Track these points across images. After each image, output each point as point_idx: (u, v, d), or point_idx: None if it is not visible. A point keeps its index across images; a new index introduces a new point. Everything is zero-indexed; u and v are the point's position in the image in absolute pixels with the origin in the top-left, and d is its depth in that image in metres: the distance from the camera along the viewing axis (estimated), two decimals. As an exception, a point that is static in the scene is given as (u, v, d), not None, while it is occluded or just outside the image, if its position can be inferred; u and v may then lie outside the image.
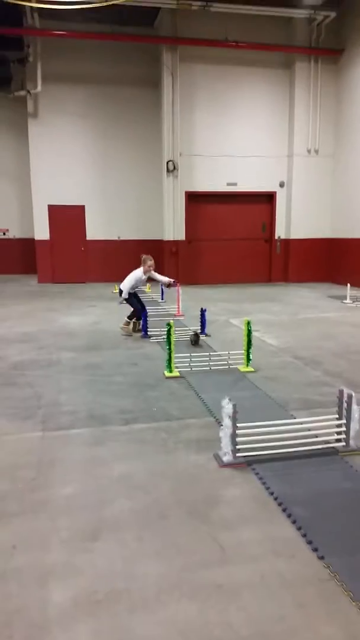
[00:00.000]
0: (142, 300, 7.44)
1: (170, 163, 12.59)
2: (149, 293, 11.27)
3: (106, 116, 13.09)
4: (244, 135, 13.01)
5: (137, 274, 7.07)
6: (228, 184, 13.12)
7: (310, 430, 3.42)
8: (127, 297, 7.08)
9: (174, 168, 12.63)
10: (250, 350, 5.40)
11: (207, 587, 2.11)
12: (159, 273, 7.50)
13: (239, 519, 2.62)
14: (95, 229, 13.58)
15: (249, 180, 13.18)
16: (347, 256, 12.83)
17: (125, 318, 7.17)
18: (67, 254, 13.47)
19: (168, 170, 12.62)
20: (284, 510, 2.68)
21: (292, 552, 2.35)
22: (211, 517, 2.63)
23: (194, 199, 13.05)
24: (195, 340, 6.39)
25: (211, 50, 12.35)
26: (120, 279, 7.35)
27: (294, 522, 2.57)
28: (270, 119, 13.13)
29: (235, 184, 13.15)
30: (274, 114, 13.14)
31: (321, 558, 2.29)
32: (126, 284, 7.06)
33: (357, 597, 2.03)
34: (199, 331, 6.84)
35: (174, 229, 12.88)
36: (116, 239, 13.67)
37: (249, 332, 5.33)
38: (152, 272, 7.17)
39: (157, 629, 1.90)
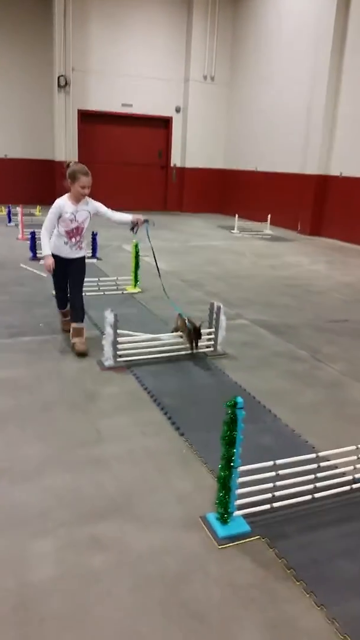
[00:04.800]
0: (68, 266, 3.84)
1: (61, 78, 11.90)
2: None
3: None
4: (140, 55, 12.57)
5: (59, 205, 3.64)
6: (123, 105, 12.76)
7: (182, 337, 3.80)
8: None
9: (66, 84, 11.97)
10: (138, 272, 5.66)
11: (82, 461, 2.44)
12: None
13: (115, 409, 2.97)
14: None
15: (144, 103, 12.90)
16: (237, 188, 13.30)
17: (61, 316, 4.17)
18: None
19: (59, 86, 11.94)
20: (154, 401, 3.07)
21: (158, 431, 2.75)
22: (90, 409, 2.94)
23: (87, 118, 12.56)
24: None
25: None
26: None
27: (162, 409, 2.97)
28: (167, 41, 12.76)
29: (130, 105, 12.82)
30: (171, 37, 12.78)
31: (182, 435, 2.72)
32: (43, 232, 3.65)
33: (207, 461, 2.48)
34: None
35: (65, 148, 12.37)
36: (2, 157, 12.85)
37: (137, 255, 5.56)
38: (93, 201, 3.78)
39: (35, 495, 2.20)
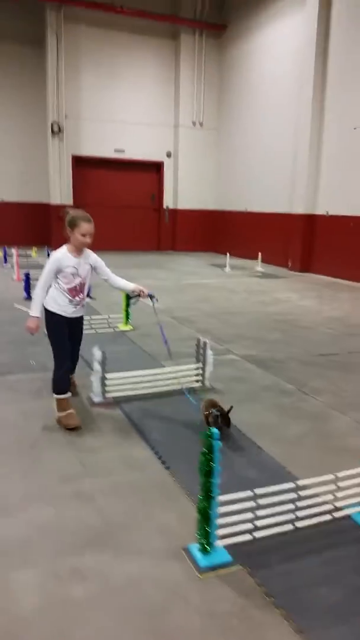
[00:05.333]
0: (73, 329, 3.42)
1: (55, 124, 12.39)
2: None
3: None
4: (131, 102, 13.14)
5: (57, 258, 3.20)
6: (116, 151, 13.22)
7: (170, 373, 3.88)
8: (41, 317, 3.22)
9: (59, 130, 12.45)
10: (129, 310, 5.78)
11: (66, 495, 2.48)
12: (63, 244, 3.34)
13: (102, 444, 3.01)
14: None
15: (136, 148, 13.38)
16: (228, 227, 13.65)
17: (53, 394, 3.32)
18: None
19: (53, 132, 12.42)
20: (142, 436, 3.11)
21: (144, 465, 2.79)
22: (77, 444, 2.99)
23: (81, 163, 13.00)
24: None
25: (97, 13, 12.20)
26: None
27: (148, 443, 3.02)
28: (156, 88, 13.37)
29: (123, 151, 13.29)
30: (160, 84, 13.40)
31: (167, 468, 2.76)
32: (37, 290, 3.20)
33: (192, 493, 2.51)
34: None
35: (60, 192, 12.75)
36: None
37: (128, 296, 5.69)
38: (92, 253, 3.36)
39: (18, 528, 2.23)
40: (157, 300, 3.60)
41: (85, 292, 3.35)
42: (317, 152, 10.33)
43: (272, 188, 11.67)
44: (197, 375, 3.98)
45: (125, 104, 13.06)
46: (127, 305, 5.73)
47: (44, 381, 3.99)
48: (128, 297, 3.41)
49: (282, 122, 11.17)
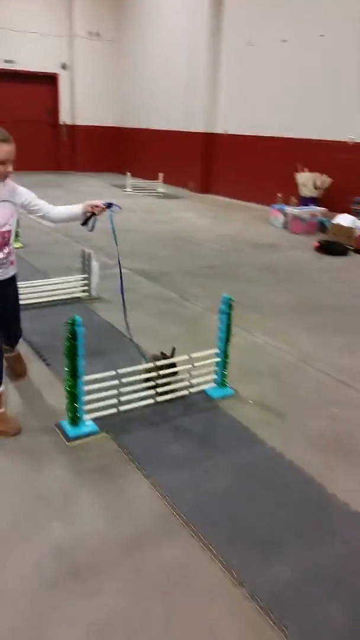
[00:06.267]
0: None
1: None
2: None
3: None
4: (20, 8, 12.00)
5: None
6: (6, 61, 12.20)
7: (56, 283, 4.03)
8: None
9: None
10: (19, 229, 5.72)
11: None
12: None
13: None
14: None
15: (29, 59, 12.40)
16: (130, 146, 13.35)
17: None
18: None
19: None
20: (24, 339, 3.27)
21: (31, 359, 3.00)
22: None
23: (-32, 73, 11.90)
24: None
25: None
26: None
27: (32, 347, 3.22)
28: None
29: (13, 62, 12.28)
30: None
31: (48, 365, 2.99)
32: None
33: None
34: None
35: None
36: None
37: (17, 209, 5.61)
38: (19, 187, 2.50)
39: None
40: (120, 208, 2.75)
41: (12, 243, 2.46)
42: (214, 70, 10.23)
43: (173, 105, 11.47)
44: (83, 285, 4.16)
45: (13, 11, 11.90)
46: (17, 224, 5.66)
47: None
48: (82, 224, 2.65)
49: (182, 36, 10.82)
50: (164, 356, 2.75)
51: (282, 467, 2.24)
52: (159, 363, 2.61)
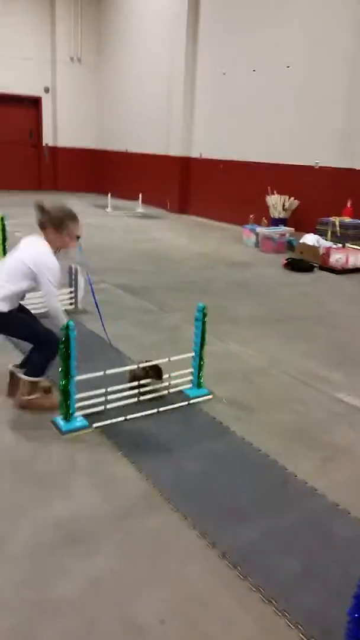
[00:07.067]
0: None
1: None
2: None
3: None
4: (4, 34, 12.42)
5: (41, 256, 2.86)
6: (-11, 85, 12.59)
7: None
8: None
9: None
10: (6, 244, 6.00)
11: None
12: None
13: None
14: None
15: (12, 82, 12.80)
16: (110, 168, 13.78)
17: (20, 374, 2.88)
18: None
19: None
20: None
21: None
22: None
23: None
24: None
25: None
26: None
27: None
28: (31, 19, 12.72)
29: (-3, 85, 12.68)
30: (35, 16, 12.75)
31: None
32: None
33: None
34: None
35: None
36: None
37: (3, 227, 5.91)
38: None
39: None
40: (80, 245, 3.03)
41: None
42: (190, 96, 10.75)
43: (150, 129, 11.96)
44: (70, 299, 4.46)
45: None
46: (4, 240, 5.95)
47: None
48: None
49: (158, 63, 11.37)
50: (145, 373, 2.96)
51: (250, 452, 2.57)
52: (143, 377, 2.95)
